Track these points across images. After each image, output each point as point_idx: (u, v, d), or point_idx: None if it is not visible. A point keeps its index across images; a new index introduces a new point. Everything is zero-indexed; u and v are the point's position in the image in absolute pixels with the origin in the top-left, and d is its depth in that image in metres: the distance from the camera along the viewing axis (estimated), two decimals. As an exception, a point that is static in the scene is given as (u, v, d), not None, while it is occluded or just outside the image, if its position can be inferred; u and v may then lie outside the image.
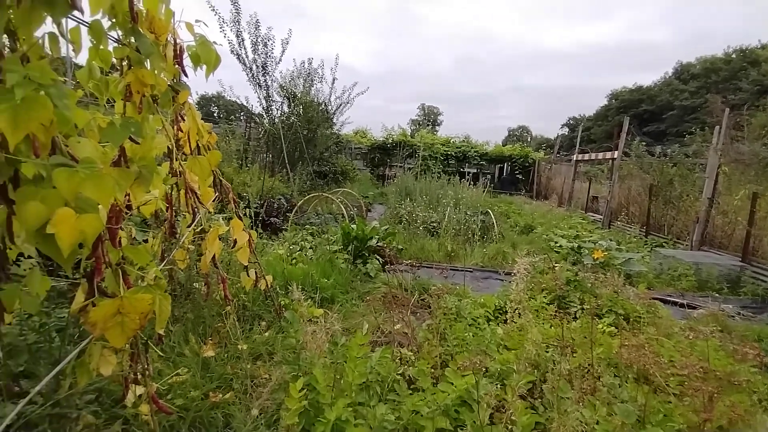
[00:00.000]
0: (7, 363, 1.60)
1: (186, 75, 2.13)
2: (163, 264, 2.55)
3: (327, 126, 11.87)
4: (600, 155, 12.46)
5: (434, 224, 7.15)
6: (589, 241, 6.48)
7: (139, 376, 1.46)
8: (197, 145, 2.31)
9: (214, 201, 2.50)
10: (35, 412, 1.52)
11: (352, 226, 5.12)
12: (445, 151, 17.96)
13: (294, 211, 6.49)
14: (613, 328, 2.97)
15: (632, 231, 9.37)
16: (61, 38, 1.34)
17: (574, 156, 14.28)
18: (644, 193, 9.98)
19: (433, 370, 2.05)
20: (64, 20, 1.28)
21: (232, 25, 9.77)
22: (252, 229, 5.11)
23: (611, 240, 6.79)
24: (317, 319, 3.15)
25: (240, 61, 10.15)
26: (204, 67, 2.10)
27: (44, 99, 1.06)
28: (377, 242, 5.11)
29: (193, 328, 2.65)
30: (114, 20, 1.61)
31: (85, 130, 1.92)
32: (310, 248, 4.99)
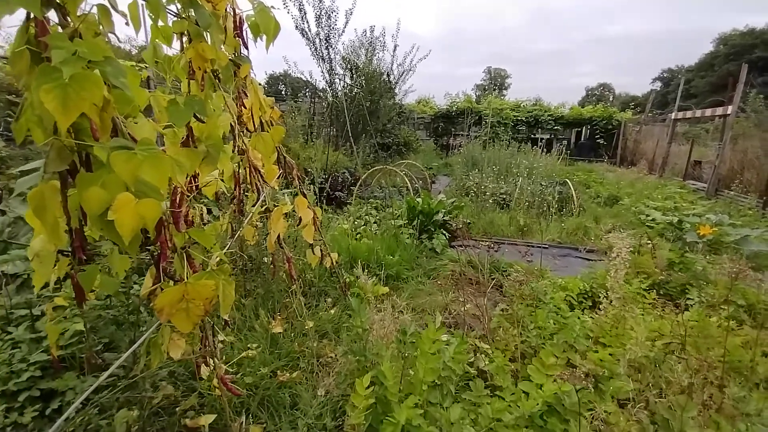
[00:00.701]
0: (91, 337, 1.72)
1: (246, 47, 2.04)
2: (234, 239, 2.60)
3: (389, 96, 11.55)
4: (708, 112, 10.56)
5: (504, 196, 6.67)
6: (691, 214, 5.57)
7: (208, 359, 1.46)
8: (260, 121, 2.25)
9: (278, 178, 2.47)
10: (118, 385, 1.62)
11: (417, 199, 4.93)
12: (515, 116, 16.65)
13: (358, 184, 6.45)
14: (733, 322, 2.47)
15: (747, 202, 7.92)
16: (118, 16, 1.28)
17: (672, 114, 12.33)
18: (764, 156, 8.33)
19: (510, 363, 1.84)
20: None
21: (295, -1, 9.72)
22: (317, 204, 5.16)
23: (720, 212, 5.78)
24: (383, 297, 3.08)
25: (303, 36, 10.15)
26: (264, 37, 2.00)
27: (96, 77, 0.99)
28: (443, 216, 4.87)
29: (263, 303, 2.71)
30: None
31: (155, 110, 1.92)
32: (374, 223, 4.92)
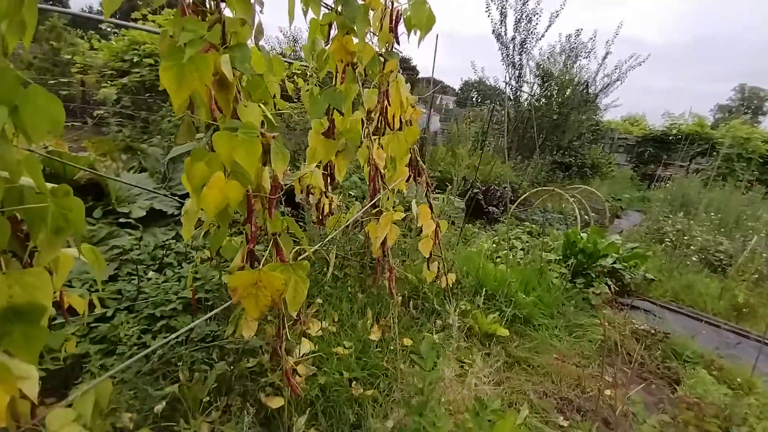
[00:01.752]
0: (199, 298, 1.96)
1: (398, 42, 1.95)
2: (331, 235, 2.62)
3: (583, 110, 10.05)
4: None
5: (721, 256, 4.87)
6: None
7: (279, 349, 1.45)
8: (400, 120, 2.15)
9: (407, 181, 2.34)
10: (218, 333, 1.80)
11: (581, 234, 4.07)
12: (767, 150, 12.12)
13: (517, 202, 5.82)
14: None
15: None
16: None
17: None
18: None
19: None
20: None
21: (499, 2, 9.43)
22: (466, 216, 4.88)
23: None
24: (495, 338, 2.62)
25: (498, 40, 9.80)
26: (418, 33, 1.87)
27: (209, 59, 1.04)
28: (613, 262, 3.87)
29: (374, 303, 2.66)
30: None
31: (304, 100, 2.03)
32: (521, 249, 4.31)
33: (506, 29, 9.61)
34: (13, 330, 0.82)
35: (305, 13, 1.56)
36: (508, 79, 10.06)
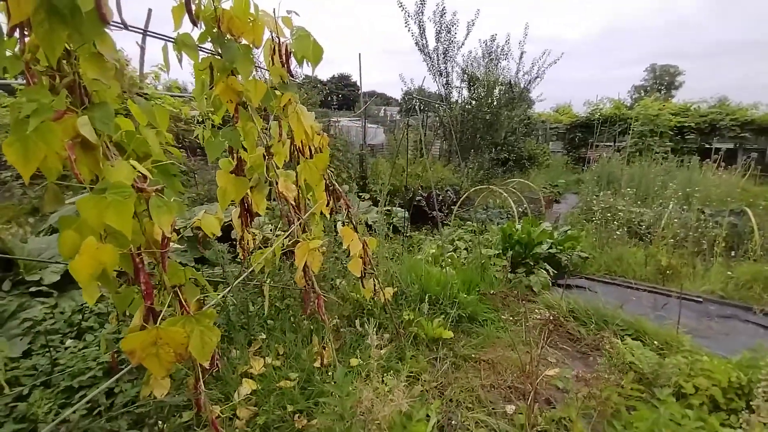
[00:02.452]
0: None
1: (292, 75, 2.00)
2: (247, 273, 2.59)
3: (511, 107, 10.68)
4: None
5: (643, 225, 5.33)
6: None
7: (200, 401, 1.41)
8: (309, 148, 2.19)
9: (328, 206, 2.38)
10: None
11: (516, 227, 4.29)
12: (679, 123, 13.47)
13: (458, 204, 6.04)
14: None
15: None
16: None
17: None
18: None
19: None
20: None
21: (415, 17, 9.89)
22: (407, 223, 4.98)
23: None
24: (442, 341, 2.69)
25: (421, 52, 10.23)
26: (308, 62, 1.93)
27: (56, 127, 1.02)
28: (549, 248, 4.11)
29: (319, 329, 2.64)
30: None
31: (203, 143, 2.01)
32: (465, 249, 4.47)
33: (427, 41, 10.08)
34: None
35: (180, 60, 1.57)
36: (437, 87, 10.51)
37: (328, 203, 2.30)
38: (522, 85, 11.13)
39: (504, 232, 4.18)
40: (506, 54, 10.70)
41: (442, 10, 9.77)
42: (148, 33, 1.76)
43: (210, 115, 1.92)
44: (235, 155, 1.99)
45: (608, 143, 14.47)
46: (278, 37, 1.92)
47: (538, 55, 10.97)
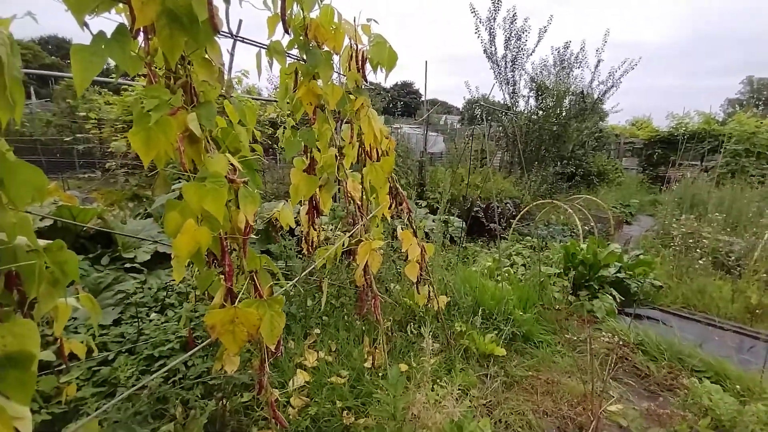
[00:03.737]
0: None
1: (366, 80, 2.09)
2: (312, 268, 2.69)
3: (581, 119, 10.09)
4: None
5: (732, 257, 4.74)
6: None
7: (263, 382, 1.51)
8: (377, 151, 2.26)
9: (390, 208, 2.42)
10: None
11: (581, 246, 4.04)
12: (782, 143, 11.82)
13: (518, 217, 5.82)
14: None
15: None
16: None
17: None
18: None
19: None
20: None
21: (487, 23, 9.74)
22: (463, 234, 4.90)
23: None
24: (493, 358, 2.61)
25: (489, 59, 10.05)
26: (383, 69, 2.01)
27: (173, 121, 1.16)
28: (617, 272, 3.82)
29: (370, 330, 2.69)
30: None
31: (281, 142, 2.15)
32: (523, 265, 4.30)
33: (496, 48, 9.87)
34: (7, 375, 0.90)
35: (270, 65, 1.71)
36: (504, 96, 10.24)
37: (391, 206, 2.34)
38: (596, 96, 10.49)
39: (567, 251, 3.96)
40: (580, 62, 10.15)
41: (513, 16, 9.51)
42: (244, 40, 1.93)
43: (286, 117, 2.05)
44: (308, 155, 2.11)
45: (693, 162, 13.09)
46: (356, 44, 2.02)
47: (617, 64, 10.29)
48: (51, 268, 1.12)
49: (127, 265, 2.79)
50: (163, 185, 1.36)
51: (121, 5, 1.23)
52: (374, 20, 1.99)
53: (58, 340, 1.44)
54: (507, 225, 5.98)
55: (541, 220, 6.30)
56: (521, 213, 5.90)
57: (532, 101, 10.40)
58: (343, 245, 2.06)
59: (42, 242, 1.09)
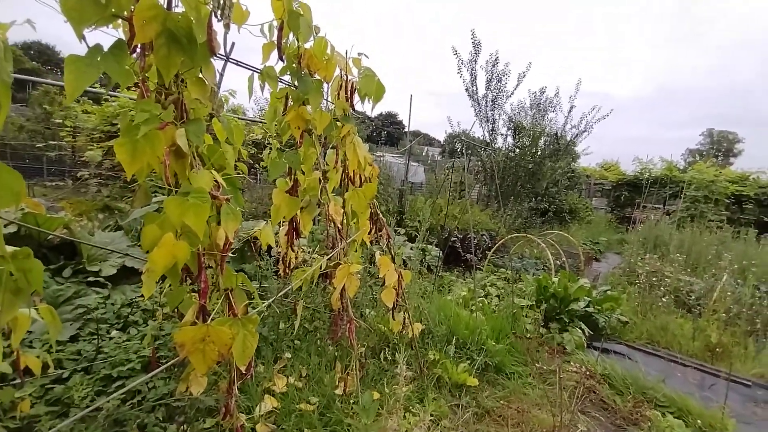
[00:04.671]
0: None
1: (354, 109, 2.17)
2: (288, 289, 2.66)
3: (555, 159, 10.62)
4: None
5: (692, 296, 4.98)
6: None
7: (230, 405, 1.46)
8: (360, 177, 2.31)
9: (370, 234, 2.46)
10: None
11: (552, 279, 4.16)
12: (737, 191, 12.76)
13: (494, 249, 5.96)
14: None
15: None
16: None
17: None
18: None
19: None
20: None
21: (468, 65, 10.28)
22: (440, 263, 4.96)
23: None
24: (466, 388, 2.61)
25: (471, 98, 10.54)
26: (369, 99, 2.10)
27: (160, 135, 1.18)
28: (585, 306, 3.94)
29: (343, 356, 2.65)
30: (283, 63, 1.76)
31: (266, 163, 2.18)
32: (497, 296, 4.37)
33: (477, 88, 10.40)
34: None
35: (262, 88, 1.77)
36: (483, 132, 10.70)
37: (371, 231, 2.38)
38: (568, 138, 11.10)
39: (539, 284, 4.06)
40: (554, 106, 10.81)
41: (495, 59, 10.11)
42: (239, 63, 1.99)
43: (272, 138, 2.10)
44: (292, 177, 2.14)
45: (657, 205, 13.88)
46: (346, 75, 2.11)
47: (587, 110, 11.00)
48: (15, 276, 1.08)
49: (91, 279, 2.67)
50: (144, 198, 1.35)
51: (119, 21, 1.27)
52: (365, 54, 2.10)
53: (15, 353, 1.36)
54: (483, 256, 6.10)
55: (515, 253, 6.46)
56: (497, 245, 6.05)
57: (510, 139, 10.91)
58: (321, 268, 2.07)
59: (9, 248, 1.06)
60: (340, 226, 1.99)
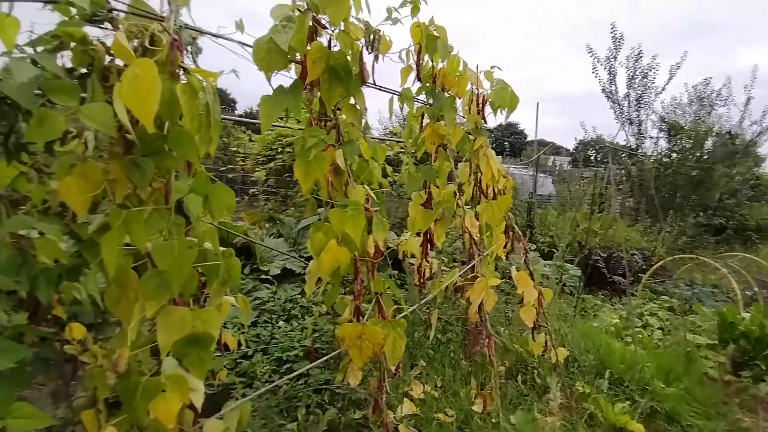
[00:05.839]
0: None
1: (485, 122, 2.17)
2: (428, 298, 2.67)
3: (730, 163, 8.56)
4: None
5: None
6: None
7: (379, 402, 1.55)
8: (494, 190, 2.27)
9: (505, 248, 2.36)
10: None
11: (742, 314, 3.30)
12: None
13: (650, 271, 5.05)
14: None
15: None
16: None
17: None
18: None
19: None
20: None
21: (606, 62, 9.23)
22: (580, 285, 4.43)
23: None
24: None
25: (609, 99, 9.39)
26: (503, 111, 2.08)
27: (325, 157, 1.37)
28: (798, 351, 2.98)
29: (477, 372, 2.56)
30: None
31: (403, 177, 2.32)
32: (659, 329, 3.67)
33: (617, 87, 9.20)
34: (191, 352, 1.11)
35: (401, 109, 1.92)
36: (626, 137, 9.35)
37: (506, 245, 2.29)
38: (747, 137, 8.86)
39: (723, 319, 3.25)
40: (724, 99, 8.79)
41: (638, 53, 8.83)
42: (381, 88, 2.20)
43: (405, 156, 2.23)
44: (426, 190, 2.23)
45: None
46: (477, 89, 2.14)
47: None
48: (221, 270, 1.37)
49: (262, 276, 3.23)
50: (312, 209, 1.59)
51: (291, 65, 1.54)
52: (497, 67, 2.10)
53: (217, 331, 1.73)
54: (635, 280, 5.22)
55: (681, 278, 5.34)
56: (654, 267, 5.11)
57: (662, 142, 9.26)
58: (455, 280, 2.07)
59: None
60: (476, 238, 1.97)
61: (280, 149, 6.57)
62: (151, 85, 0.94)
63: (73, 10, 1.06)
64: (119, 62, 1.07)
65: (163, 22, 1.10)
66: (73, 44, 1.05)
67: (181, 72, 1.10)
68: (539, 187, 10.28)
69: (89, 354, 1.86)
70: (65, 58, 1.10)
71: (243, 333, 2.46)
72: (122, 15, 1.12)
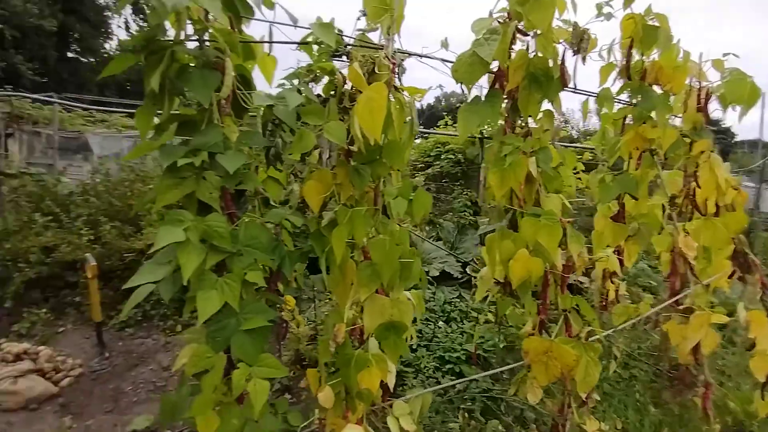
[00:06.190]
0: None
1: (708, 121, 1.79)
2: (630, 322, 2.31)
3: None
4: None
5: None
6: None
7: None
8: (717, 205, 1.85)
9: (730, 278, 1.88)
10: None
11: None
12: None
13: None
14: None
15: None
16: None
17: None
18: None
19: None
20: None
21: None
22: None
23: None
24: None
25: None
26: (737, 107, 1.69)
27: (523, 162, 1.35)
28: None
29: (673, 424, 2.14)
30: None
31: (592, 186, 2.12)
32: None
33: None
34: (389, 336, 1.25)
35: (599, 112, 1.74)
36: None
37: (732, 275, 1.83)
38: None
39: None
40: None
41: None
42: (577, 91, 2.05)
43: (606, 160, 2.00)
44: (620, 201, 1.97)
45: None
46: (699, 82, 1.78)
47: None
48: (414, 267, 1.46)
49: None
50: (498, 217, 1.59)
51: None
52: (733, 54, 1.70)
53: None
54: None
55: None
56: None
57: None
58: (660, 311, 1.76)
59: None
60: (693, 262, 1.64)
61: (437, 154, 6.83)
62: (381, 105, 1.11)
63: (315, 47, 1.33)
64: (347, 86, 1.30)
65: (382, 50, 1.28)
66: (325, 77, 1.31)
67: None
68: (761, 203, 7.81)
69: (295, 322, 2.28)
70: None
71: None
72: (349, 47, 1.34)
